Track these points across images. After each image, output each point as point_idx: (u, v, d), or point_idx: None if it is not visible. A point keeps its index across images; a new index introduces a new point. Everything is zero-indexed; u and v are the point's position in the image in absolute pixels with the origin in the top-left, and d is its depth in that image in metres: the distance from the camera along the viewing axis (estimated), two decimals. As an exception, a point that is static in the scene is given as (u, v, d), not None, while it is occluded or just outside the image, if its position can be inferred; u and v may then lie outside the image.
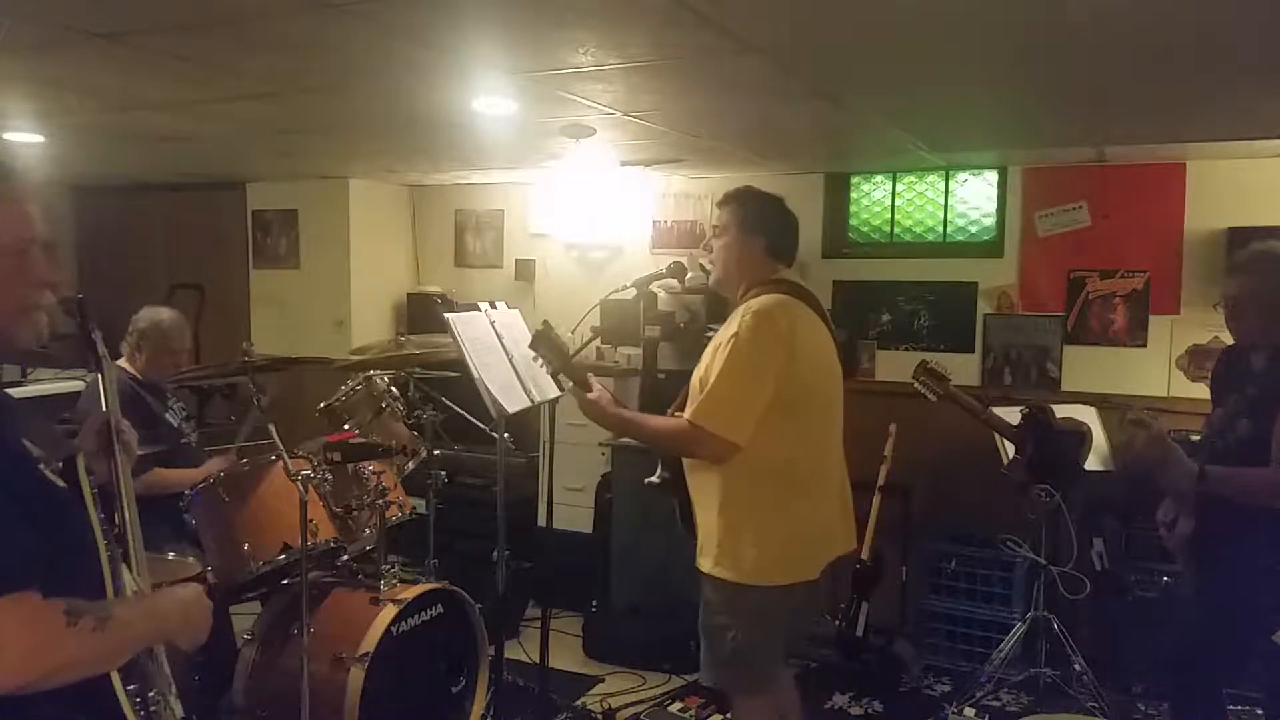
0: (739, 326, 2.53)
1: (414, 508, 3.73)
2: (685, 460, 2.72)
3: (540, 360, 2.79)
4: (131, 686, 1.54)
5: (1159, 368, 4.42)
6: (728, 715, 3.78)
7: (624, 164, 4.79)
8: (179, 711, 1.71)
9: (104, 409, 1.91)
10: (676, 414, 2.73)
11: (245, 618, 3.48)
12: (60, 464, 1.55)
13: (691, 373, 2.72)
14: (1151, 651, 3.84)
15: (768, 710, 2.71)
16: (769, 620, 2.60)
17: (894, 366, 4.83)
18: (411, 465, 3.78)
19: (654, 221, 5.44)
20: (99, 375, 1.93)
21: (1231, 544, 2.71)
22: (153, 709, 1.57)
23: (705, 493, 2.65)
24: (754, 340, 2.50)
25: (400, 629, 3.15)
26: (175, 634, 1.62)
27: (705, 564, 2.62)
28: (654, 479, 2.87)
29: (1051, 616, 3.94)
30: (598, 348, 5.05)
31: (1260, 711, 3.55)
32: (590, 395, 2.71)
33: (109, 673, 1.46)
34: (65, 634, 1.34)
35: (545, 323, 2.77)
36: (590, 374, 2.77)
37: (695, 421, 2.51)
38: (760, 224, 2.72)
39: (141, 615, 1.56)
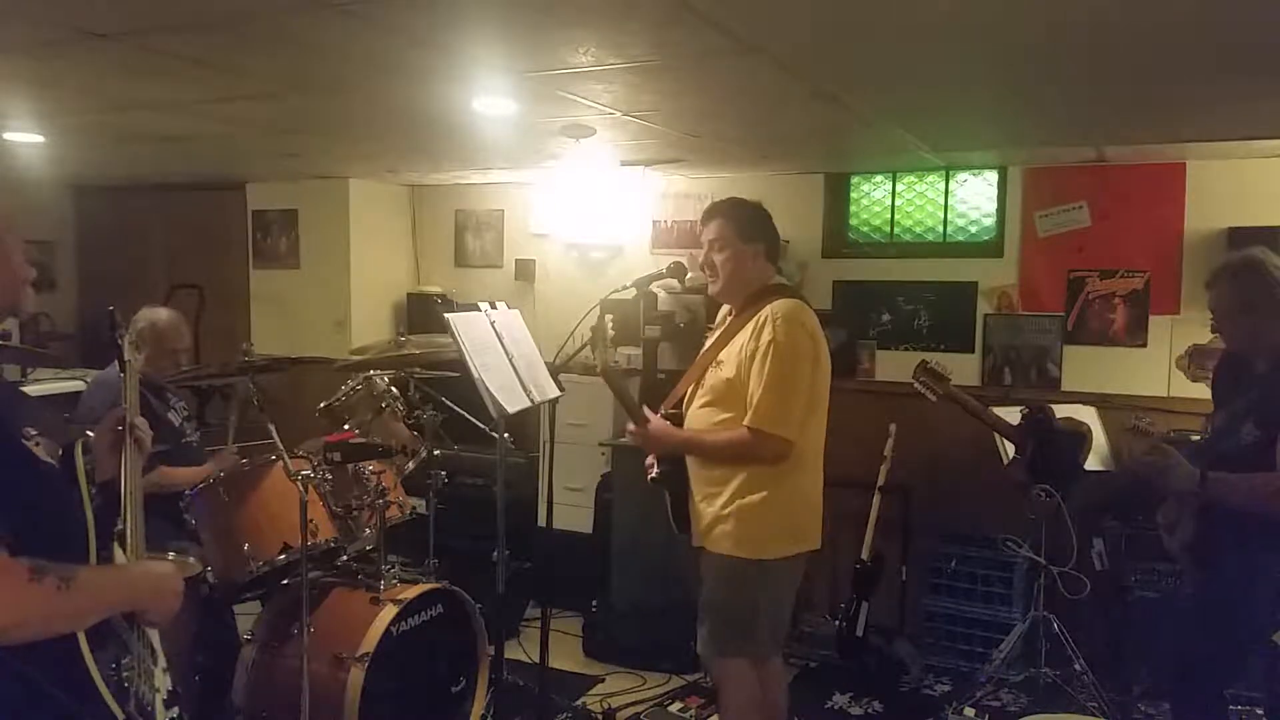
0: (775, 333, 2.69)
1: (414, 508, 3.73)
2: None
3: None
4: (107, 654, 1.58)
5: (1159, 368, 4.41)
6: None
7: (624, 164, 4.78)
8: (165, 684, 1.75)
9: (121, 407, 1.98)
10: (672, 411, 2.95)
11: (245, 618, 3.49)
12: (61, 450, 1.64)
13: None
14: (1152, 651, 3.84)
15: (750, 674, 2.88)
16: (786, 587, 2.89)
17: (894, 366, 4.83)
18: (411, 465, 3.78)
19: (654, 221, 5.43)
20: (122, 376, 2.06)
21: (1232, 545, 2.71)
22: (125, 673, 1.61)
23: (719, 482, 2.81)
24: (794, 345, 2.71)
25: (400, 629, 3.16)
26: (145, 604, 1.67)
27: (724, 546, 2.79)
28: (655, 474, 2.99)
29: (1051, 616, 3.94)
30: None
31: (1260, 711, 3.55)
32: (652, 427, 2.87)
33: (78, 636, 1.51)
34: (28, 589, 1.40)
35: (613, 364, 2.94)
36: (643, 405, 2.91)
37: (758, 427, 2.68)
38: (757, 231, 2.91)
39: (110, 581, 1.62)
